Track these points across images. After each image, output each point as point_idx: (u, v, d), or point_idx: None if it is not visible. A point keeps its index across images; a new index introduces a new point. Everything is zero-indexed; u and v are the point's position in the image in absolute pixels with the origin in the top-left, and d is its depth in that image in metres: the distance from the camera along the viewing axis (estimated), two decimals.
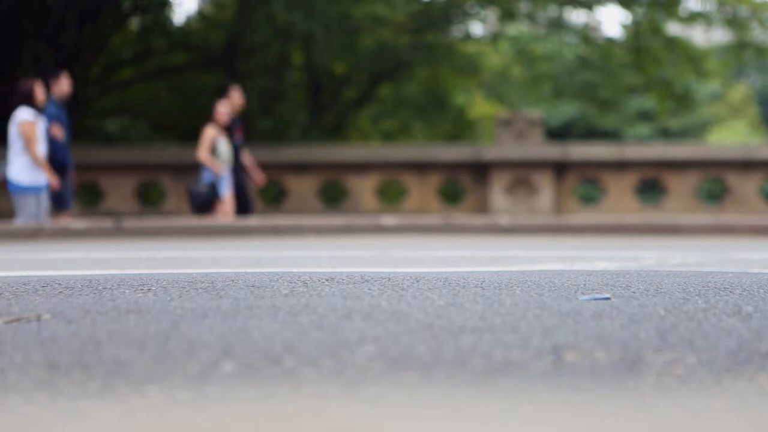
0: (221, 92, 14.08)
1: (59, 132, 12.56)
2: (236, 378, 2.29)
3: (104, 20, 20.90)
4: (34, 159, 12.03)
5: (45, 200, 12.28)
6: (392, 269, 5.65)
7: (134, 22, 23.33)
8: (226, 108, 13.69)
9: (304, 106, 23.96)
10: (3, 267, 6.56)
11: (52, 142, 12.40)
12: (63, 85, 12.71)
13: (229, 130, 13.66)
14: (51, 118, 12.47)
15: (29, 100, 12.14)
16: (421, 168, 17.15)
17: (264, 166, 17.36)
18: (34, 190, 12.15)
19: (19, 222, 12.11)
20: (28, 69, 19.45)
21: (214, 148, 13.43)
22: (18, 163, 12.10)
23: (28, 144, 11.99)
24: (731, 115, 43.99)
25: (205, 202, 13.49)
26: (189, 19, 25.32)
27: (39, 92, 12.16)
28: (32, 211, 12.15)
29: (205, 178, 13.54)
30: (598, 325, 2.80)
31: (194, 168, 16.96)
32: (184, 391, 2.19)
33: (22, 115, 12.10)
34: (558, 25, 22.64)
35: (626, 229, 12.67)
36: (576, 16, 23.75)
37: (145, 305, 3.27)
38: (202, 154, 13.44)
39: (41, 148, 12.12)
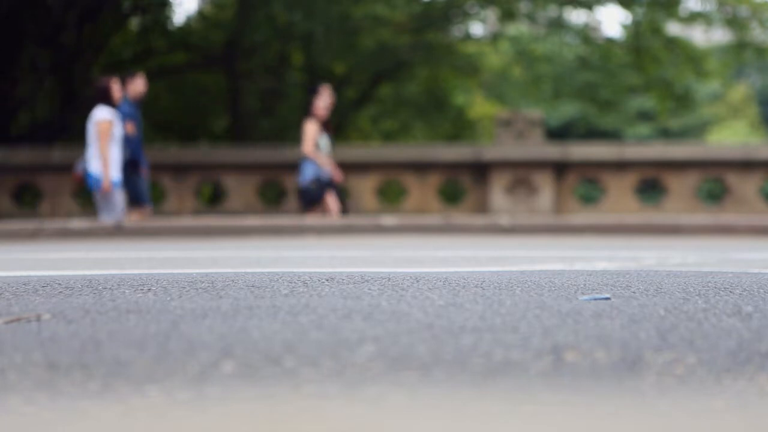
0: (312, 91, 14.20)
1: (133, 130, 12.70)
2: (236, 378, 2.29)
3: (104, 20, 20.91)
4: (101, 155, 12.17)
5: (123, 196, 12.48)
6: (392, 269, 5.65)
7: (134, 22, 23.34)
8: (324, 102, 13.77)
9: (304, 106, 23.95)
10: (3, 267, 6.56)
11: (126, 140, 12.55)
12: (138, 84, 12.89)
13: (325, 125, 13.77)
14: (125, 117, 12.61)
15: (106, 99, 12.29)
16: (421, 168, 17.14)
17: (264, 166, 17.37)
18: (115, 185, 12.30)
19: (105, 219, 12.26)
20: (27, 69, 19.46)
21: (316, 143, 13.51)
22: (98, 161, 12.23)
23: (99, 140, 12.14)
24: (731, 115, 43.99)
25: (314, 197, 13.56)
26: (189, 19, 25.33)
27: (115, 90, 12.32)
28: (118, 206, 12.33)
29: (307, 173, 13.57)
30: (598, 325, 2.80)
31: (194, 168, 16.97)
32: (184, 391, 2.19)
33: (100, 113, 12.25)
34: (558, 25, 22.64)
35: (626, 229, 12.67)
36: (576, 16, 23.75)
37: (145, 305, 3.27)
38: (308, 148, 13.46)
39: (116, 148, 12.28)
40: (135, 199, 12.90)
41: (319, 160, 13.43)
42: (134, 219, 12.69)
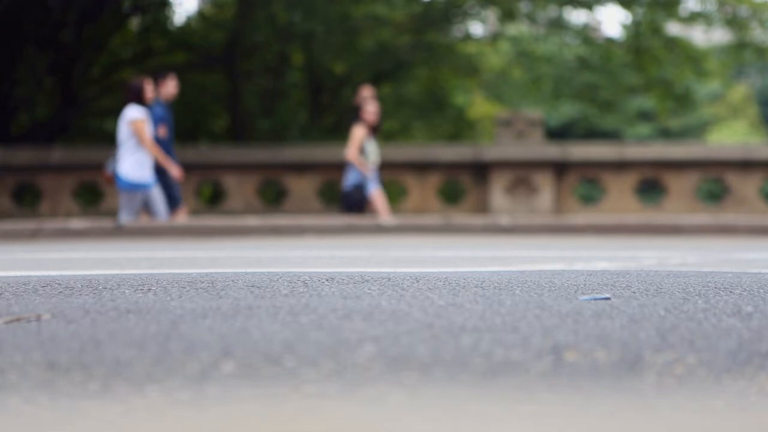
0: (357, 94, 14.33)
1: (164, 132, 12.73)
2: (236, 378, 2.29)
3: (104, 20, 20.90)
4: (153, 153, 12.22)
5: (157, 195, 12.46)
6: (392, 269, 5.65)
7: (134, 22, 23.33)
8: (373, 107, 13.81)
9: (304, 106, 23.96)
10: (3, 267, 6.56)
11: (158, 142, 12.60)
12: (170, 86, 12.92)
13: (374, 129, 13.82)
14: (158, 119, 12.64)
15: (138, 98, 12.33)
16: (421, 168, 17.14)
17: (264, 166, 17.36)
18: (142, 187, 12.32)
19: (123, 219, 12.30)
20: (27, 69, 19.46)
21: (362, 148, 13.53)
22: (129, 161, 12.27)
23: (141, 140, 12.18)
24: (731, 115, 43.98)
25: (356, 203, 13.60)
26: (189, 19, 25.32)
27: (148, 90, 12.36)
28: (136, 207, 12.39)
29: (351, 178, 13.61)
30: (598, 325, 2.80)
31: (193, 168, 16.95)
32: (184, 391, 2.19)
33: (132, 113, 12.29)
34: (558, 25, 22.64)
35: (626, 229, 12.67)
36: (576, 17, 23.76)
37: (145, 305, 3.26)
38: (352, 154, 13.49)
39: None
40: (169, 202, 12.94)
41: (362, 167, 13.47)
42: (180, 220, 12.75)
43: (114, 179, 12.59)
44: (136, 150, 12.27)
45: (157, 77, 13.01)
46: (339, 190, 14.38)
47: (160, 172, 12.67)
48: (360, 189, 13.56)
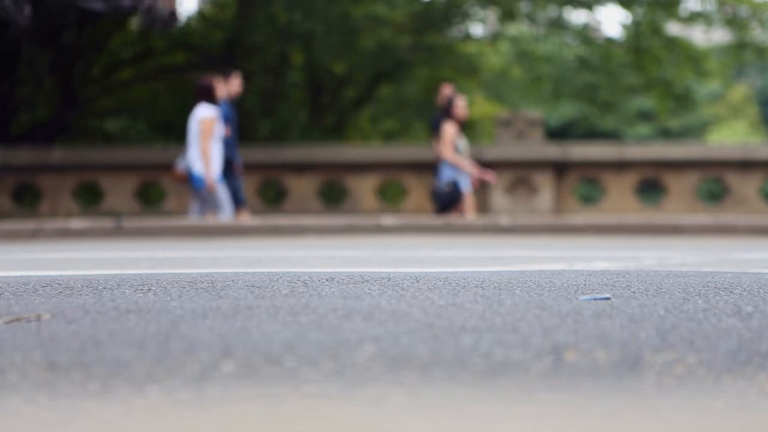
0: (439, 93, 14.43)
1: (228, 131, 12.76)
2: (236, 378, 2.29)
3: (104, 20, 20.90)
4: (203, 153, 12.22)
5: (224, 193, 12.55)
6: (392, 269, 5.65)
7: (134, 22, 23.32)
8: (464, 101, 13.84)
9: (304, 106, 23.95)
10: (3, 267, 6.55)
11: (222, 140, 12.66)
12: (234, 84, 12.93)
13: (462, 125, 13.86)
14: (223, 118, 12.66)
15: (209, 97, 12.32)
16: (421, 168, 17.13)
17: (264, 166, 17.36)
18: (219, 183, 12.47)
19: (216, 217, 12.35)
20: (27, 69, 19.46)
21: (455, 145, 13.56)
22: (203, 160, 12.29)
23: (202, 138, 12.16)
24: (731, 115, 43.96)
25: (449, 201, 13.60)
26: (189, 19, 25.31)
27: (219, 88, 12.36)
28: (217, 203, 12.41)
29: (445, 175, 13.60)
30: (598, 325, 2.80)
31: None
32: (184, 391, 2.19)
33: (203, 111, 12.28)
34: (558, 25, 22.63)
35: (626, 229, 12.67)
36: (576, 17, 23.75)
37: (145, 305, 3.26)
38: (447, 152, 13.48)
39: (217, 146, 12.34)
40: (234, 200, 12.99)
41: (460, 165, 13.49)
42: (243, 218, 12.80)
43: (186, 178, 12.64)
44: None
45: (222, 75, 13.04)
46: (431, 190, 14.34)
47: (226, 169, 12.73)
48: (455, 186, 13.56)
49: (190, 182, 12.62)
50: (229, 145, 12.79)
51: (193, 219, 12.43)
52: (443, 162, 13.58)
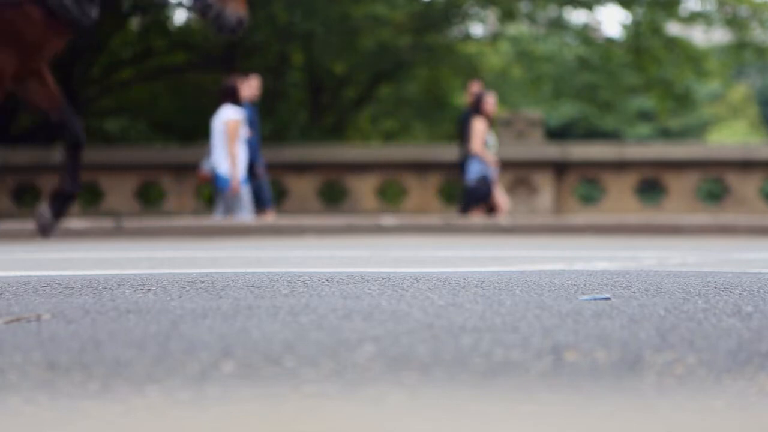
0: (467, 91, 14.51)
1: (251, 132, 12.78)
2: (236, 378, 2.29)
3: (104, 20, 20.90)
4: (230, 155, 12.22)
5: (246, 194, 12.58)
6: (392, 269, 5.65)
7: (134, 22, 23.32)
8: (492, 98, 13.89)
9: (304, 106, 23.96)
10: (3, 267, 6.56)
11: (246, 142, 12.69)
12: (253, 87, 12.93)
13: (491, 121, 13.92)
14: (246, 119, 12.68)
15: (233, 98, 12.32)
16: (421, 168, 17.14)
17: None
18: (242, 184, 12.45)
19: (241, 217, 12.37)
20: None
21: (484, 141, 13.60)
22: (228, 161, 12.30)
23: (228, 140, 12.16)
24: (731, 115, 43.97)
25: (480, 196, 13.63)
26: (189, 19, 25.31)
27: (243, 89, 12.37)
28: (242, 204, 12.43)
29: (474, 171, 13.62)
30: (598, 325, 2.80)
31: (193, 168, 16.95)
32: (184, 391, 2.19)
33: (228, 112, 12.28)
34: (558, 25, 22.64)
35: (626, 229, 12.67)
36: (576, 17, 23.75)
37: (145, 305, 3.26)
38: (478, 147, 13.52)
39: (242, 147, 12.36)
40: (258, 203, 13.00)
41: (489, 160, 13.52)
42: (269, 219, 12.82)
43: (211, 179, 12.65)
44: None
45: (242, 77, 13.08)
46: (461, 186, 14.36)
47: (250, 172, 12.76)
48: (486, 181, 13.58)
49: (215, 183, 12.64)
50: (251, 147, 12.81)
51: (217, 220, 12.43)
52: (472, 158, 13.62)
